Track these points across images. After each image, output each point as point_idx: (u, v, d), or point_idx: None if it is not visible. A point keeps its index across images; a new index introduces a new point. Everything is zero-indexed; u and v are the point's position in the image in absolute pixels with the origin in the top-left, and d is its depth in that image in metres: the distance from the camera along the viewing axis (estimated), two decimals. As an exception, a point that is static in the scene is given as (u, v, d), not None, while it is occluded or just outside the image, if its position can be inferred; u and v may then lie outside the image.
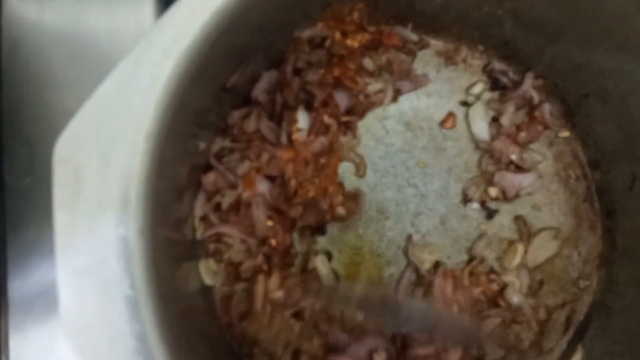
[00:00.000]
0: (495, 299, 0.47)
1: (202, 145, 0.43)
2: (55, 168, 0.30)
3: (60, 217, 0.30)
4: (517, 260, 0.47)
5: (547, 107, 0.51)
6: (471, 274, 0.47)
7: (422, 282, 0.47)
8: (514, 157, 0.50)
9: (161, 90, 0.31)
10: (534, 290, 0.48)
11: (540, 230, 0.50)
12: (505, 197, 0.50)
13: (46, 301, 0.56)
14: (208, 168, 0.46)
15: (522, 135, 0.50)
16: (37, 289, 0.56)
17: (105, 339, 0.29)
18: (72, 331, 0.29)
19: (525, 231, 0.49)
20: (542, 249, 0.49)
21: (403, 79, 0.50)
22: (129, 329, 0.29)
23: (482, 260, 0.48)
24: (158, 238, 0.34)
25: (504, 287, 0.47)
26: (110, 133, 0.30)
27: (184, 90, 0.33)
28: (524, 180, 0.50)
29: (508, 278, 0.47)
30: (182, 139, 0.36)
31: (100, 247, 0.30)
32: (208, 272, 0.47)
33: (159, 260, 0.33)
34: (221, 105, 0.46)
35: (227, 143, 0.47)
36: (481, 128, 0.50)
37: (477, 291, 0.46)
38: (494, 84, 0.51)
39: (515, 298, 0.47)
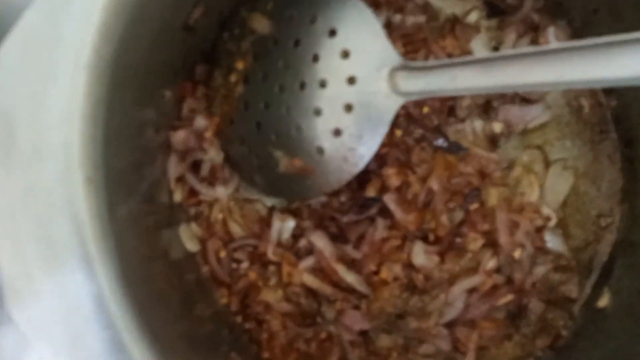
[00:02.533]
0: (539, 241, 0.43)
1: (168, 94, 0.39)
2: (-19, 115, 0.26)
3: (-7, 172, 0.26)
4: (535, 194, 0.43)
5: (552, 31, 0.45)
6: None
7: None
8: (518, 88, 0.45)
9: (100, 13, 0.26)
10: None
11: (549, 164, 0.45)
12: (511, 132, 0.45)
13: None
14: (174, 126, 0.42)
15: (527, 64, 0.45)
16: None
17: (58, 307, 0.25)
18: (18, 302, 0.25)
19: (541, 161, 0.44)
20: (558, 183, 0.44)
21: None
22: (84, 292, 0.25)
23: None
24: (121, 193, 0.29)
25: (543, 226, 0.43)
26: (42, 70, 0.26)
27: (132, 17, 0.28)
28: (531, 111, 0.45)
29: (547, 211, 0.43)
30: (137, 80, 0.32)
31: (42, 203, 0.26)
32: (191, 238, 0.43)
33: (119, 219, 0.28)
34: (188, 52, 0.41)
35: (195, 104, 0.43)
36: (482, 57, 0.44)
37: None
38: (491, 10, 0.46)
39: (556, 240, 0.43)
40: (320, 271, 0.44)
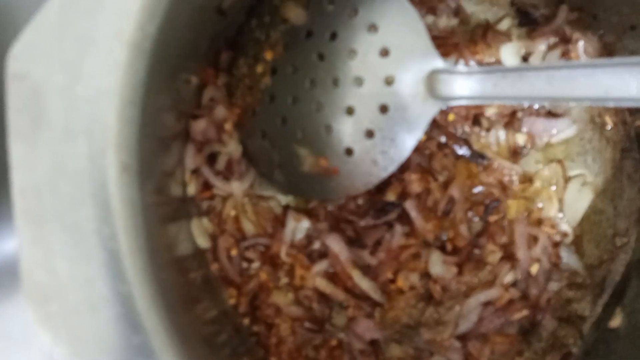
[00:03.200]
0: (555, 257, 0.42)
1: (194, 80, 0.37)
2: (8, 86, 0.23)
3: (18, 150, 0.23)
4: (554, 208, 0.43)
5: (581, 45, 0.45)
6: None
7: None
8: (545, 101, 0.44)
9: (146, -13, 0.24)
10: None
11: (569, 179, 0.45)
12: (533, 144, 0.44)
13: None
14: (195, 115, 0.40)
15: (554, 78, 0.44)
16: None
17: (81, 303, 0.23)
18: (37, 295, 0.23)
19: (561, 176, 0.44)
20: (577, 199, 0.44)
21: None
22: (112, 291, 0.23)
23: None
24: (148, 186, 0.27)
25: (559, 242, 0.42)
26: (79, 39, 0.23)
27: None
28: (556, 125, 0.44)
29: (565, 227, 0.42)
30: (171, 62, 0.29)
31: (72, 186, 0.23)
32: (202, 233, 0.41)
33: (150, 213, 0.26)
34: (215, 37, 0.39)
35: (216, 93, 0.40)
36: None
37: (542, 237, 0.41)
38: (523, 19, 0.45)
39: (571, 257, 0.42)
40: (333, 276, 0.42)
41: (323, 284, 0.42)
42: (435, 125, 0.43)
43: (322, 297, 0.42)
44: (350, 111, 0.37)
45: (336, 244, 0.42)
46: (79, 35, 0.23)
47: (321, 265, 0.42)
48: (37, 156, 0.23)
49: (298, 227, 0.42)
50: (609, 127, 0.45)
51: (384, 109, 0.36)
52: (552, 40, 0.45)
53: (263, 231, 0.42)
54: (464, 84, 0.35)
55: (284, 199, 0.43)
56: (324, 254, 0.42)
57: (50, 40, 0.23)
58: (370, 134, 0.37)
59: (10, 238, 0.46)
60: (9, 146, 0.23)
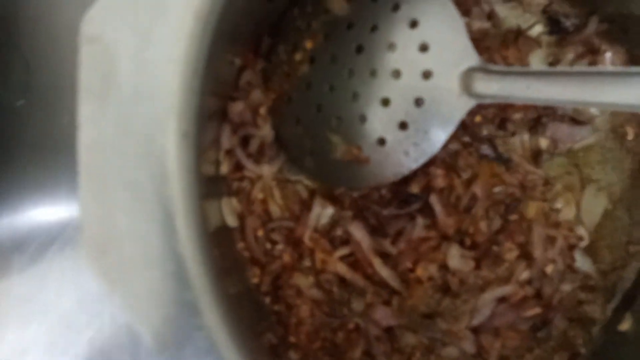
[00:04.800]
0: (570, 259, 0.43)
1: (237, 62, 0.38)
2: (81, 47, 0.25)
3: (86, 108, 0.24)
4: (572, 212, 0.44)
5: (608, 56, 0.46)
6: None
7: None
8: (568, 108, 0.46)
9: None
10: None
11: (586, 184, 0.46)
12: (556, 149, 0.46)
13: (35, 241, 0.50)
14: (233, 97, 0.41)
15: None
16: (26, 226, 0.50)
17: (138, 257, 0.24)
18: (95, 249, 0.24)
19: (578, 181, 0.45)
20: (593, 205, 0.45)
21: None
22: (167, 250, 0.24)
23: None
24: (199, 151, 0.28)
25: (575, 245, 0.44)
26: (151, 7, 0.25)
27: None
28: (580, 132, 0.46)
29: (581, 231, 0.43)
30: (230, 40, 0.31)
31: (134, 147, 0.24)
32: (231, 212, 0.42)
33: (198, 178, 0.27)
34: (258, 23, 0.40)
35: (253, 77, 0.42)
36: (539, 72, 0.45)
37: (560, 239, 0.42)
38: (554, 27, 0.46)
39: (585, 261, 0.43)
40: (354, 262, 0.43)
41: (344, 269, 0.43)
42: (463, 126, 0.45)
43: (342, 282, 0.43)
44: (385, 102, 0.38)
45: (359, 232, 0.43)
46: (151, 3, 0.25)
47: (343, 251, 0.43)
48: (104, 115, 0.24)
49: (323, 212, 0.43)
50: (630, 137, 0.47)
51: (419, 102, 0.37)
52: (580, 49, 0.46)
53: (289, 214, 0.43)
54: (498, 83, 0.36)
55: (311, 184, 0.44)
56: (346, 240, 0.43)
57: (124, 7, 0.24)
58: (404, 125, 0.38)
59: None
60: (78, 105, 0.25)
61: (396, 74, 0.37)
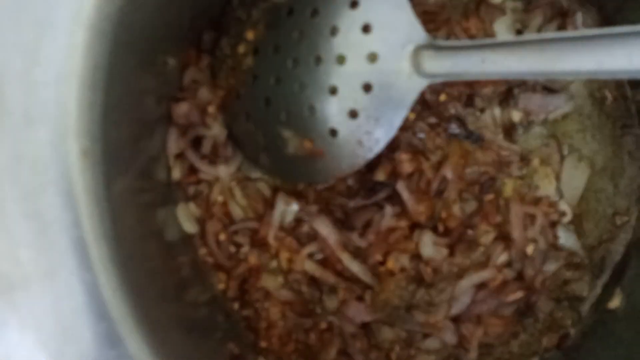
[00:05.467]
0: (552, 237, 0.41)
1: (172, 62, 0.36)
2: (-35, 71, 0.23)
3: (-24, 137, 0.23)
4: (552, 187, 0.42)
5: (579, 17, 0.43)
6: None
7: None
8: (541, 76, 0.43)
9: (103, -36, 0.23)
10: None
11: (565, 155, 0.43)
12: (530, 121, 0.43)
13: None
14: (177, 98, 0.39)
15: (551, 51, 0.43)
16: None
17: (47, 292, 0.22)
18: (2, 285, 0.23)
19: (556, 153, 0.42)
20: (574, 177, 0.43)
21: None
22: (76, 280, 0.23)
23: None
24: (123, 167, 0.27)
25: (557, 222, 0.41)
26: (36, 23, 0.23)
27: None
28: (553, 102, 0.43)
29: (563, 206, 0.41)
30: (140, 44, 0.28)
31: (33, 174, 0.23)
32: (188, 218, 0.40)
33: (115, 196, 0.26)
34: (194, 18, 0.38)
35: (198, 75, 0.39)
36: (505, 41, 0.42)
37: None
38: (518, -10, 0.43)
39: (569, 237, 0.41)
40: (323, 259, 0.42)
41: (312, 267, 0.41)
42: (427, 106, 0.42)
43: (312, 280, 0.41)
44: (333, 91, 0.36)
45: (324, 227, 0.41)
46: (36, 19, 0.23)
47: (310, 248, 0.41)
48: (-3, 143, 0.23)
49: (287, 209, 0.41)
50: (608, 101, 0.44)
51: (367, 87, 0.35)
52: (549, 12, 0.43)
53: (253, 214, 0.42)
54: (451, 60, 0.33)
55: (273, 181, 0.42)
56: (313, 236, 0.42)
57: (4, 25, 0.23)
58: (354, 114, 0.35)
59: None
60: (-32, 133, 0.23)
61: (341, 59, 0.35)
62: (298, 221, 0.42)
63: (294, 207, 0.42)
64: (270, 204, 0.42)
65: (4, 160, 0.23)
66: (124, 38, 0.25)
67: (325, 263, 0.41)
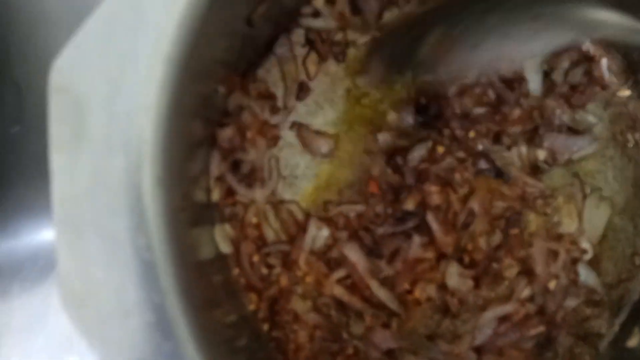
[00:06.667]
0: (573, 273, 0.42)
1: (222, 90, 0.37)
2: (51, 99, 0.24)
3: (58, 160, 0.24)
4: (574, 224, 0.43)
5: (605, 63, 0.45)
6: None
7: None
8: (565, 118, 0.44)
9: (185, 4, 0.25)
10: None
11: (587, 194, 0.45)
12: (555, 161, 0.45)
13: (36, 265, 0.50)
14: (222, 123, 0.41)
15: (577, 96, 0.45)
16: (26, 251, 0.51)
17: (115, 310, 0.24)
18: (73, 300, 0.24)
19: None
20: (595, 215, 0.44)
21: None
22: (145, 299, 0.24)
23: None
24: (175, 193, 0.28)
25: (578, 259, 0.43)
26: (120, 55, 0.24)
27: (210, 10, 0.26)
28: (577, 142, 0.44)
29: (585, 244, 0.42)
30: (202, 73, 0.30)
31: (108, 197, 0.24)
32: (224, 239, 0.41)
33: (176, 219, 0.27)
34: (242, 48, 0.39)
35: (245, 100, 0.41)
36: (534, 81, 0.44)
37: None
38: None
39: (590, 274, 0.42)
40: (351, 284, 0.43)
41: (341, 292, 0.42)
42: (456, 141, 0.44)
43: (340, 305, 0.43)
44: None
45: (354, 254, 0.42)
46: (120, 52, 0.24)
47: (340, 274, 0.42)
48: (77, 167, 0.24)
49: (318, 234, 0.43)
50: (630, 144, 0.45)
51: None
52: (575, 56, 0.45)
53: (285, 237, 0.43)
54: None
55: (305, 204, 0.43)
56: (340, 262, 0.43)
57: (93, 56, 0.24)
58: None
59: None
60: (50, 156, 0.24)
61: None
62: (328, 246, 0.43)
63: (325, 232, 0.43)
64: (302, 228, 0.43)
65: (83, 185, 0.24)
66: (194, 71, 0.27)
67: (353, 289, 0.43)
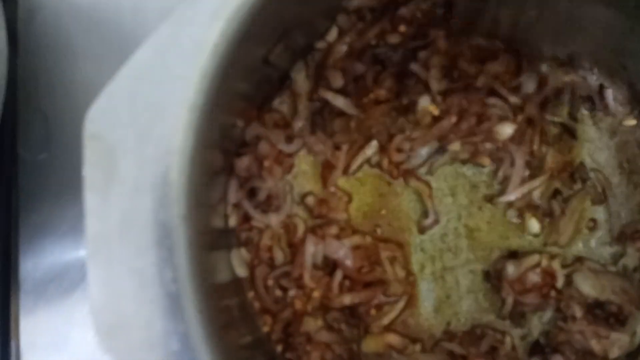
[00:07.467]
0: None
1: (240, 124, 0.39)
2: (85, 145, 0.26)
3: (92, 201, 0.26)
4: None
5: (610, 93, 0.46)
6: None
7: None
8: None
9: (208, 56, 0.27)
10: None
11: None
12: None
13: (61, 285, 0.53)
14: (240, 153, 0.43)
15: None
16: (50, 271, 0.53)
17: (143, 340, 0.26)
18: (105, 331, 0.26)
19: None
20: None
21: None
22: (170, 330, 0.26)
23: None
24: (199, 225, 0.30)
25: None
26: (149, 105, 0.26)
27: (231, 58, 0.28)
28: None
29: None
30: (223, 113, 0.32)
31: (138, 235, 0.26)
32: (240, 263, 0.43)
33: (199, 248, 0.29)
34: (259, 84, 0.41)
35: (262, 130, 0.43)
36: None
37: None
38: (555, 66, 0.46)
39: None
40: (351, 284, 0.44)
41: (349, 299, 0.44)
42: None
43: (351, 317, 0.44)
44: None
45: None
46: (149, 101, 0.26)
47: (337, 276, 0.44)
48: (108, 207, 0.26)
49: (317, 249, 0.44)
50: (636, 174, 0.46)
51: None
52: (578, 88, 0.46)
53: (290, 257, 0.44)
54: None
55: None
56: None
57: (123, 105, 0.26)
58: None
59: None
60: (84, 197, 0.26)
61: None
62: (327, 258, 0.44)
63: (322, 247, 0.44)
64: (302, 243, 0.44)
65: (114, 224, 0.26)
66: (216, 113, 0.29)
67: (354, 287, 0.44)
